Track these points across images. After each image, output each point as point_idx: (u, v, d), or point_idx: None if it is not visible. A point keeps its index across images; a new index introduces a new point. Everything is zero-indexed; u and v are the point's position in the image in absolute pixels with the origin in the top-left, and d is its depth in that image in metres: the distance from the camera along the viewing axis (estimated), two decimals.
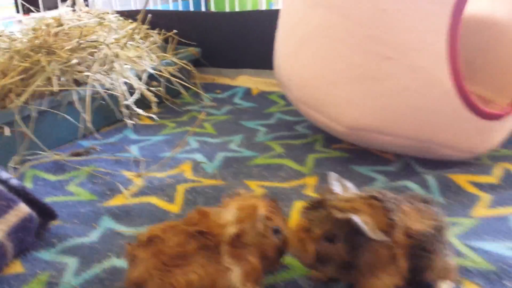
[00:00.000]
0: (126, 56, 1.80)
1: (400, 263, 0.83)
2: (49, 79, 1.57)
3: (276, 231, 0.87)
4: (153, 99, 1.86)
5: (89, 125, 1.62)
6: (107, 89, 1.72)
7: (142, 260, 0.83)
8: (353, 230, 0.80)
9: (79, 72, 1.66)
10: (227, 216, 0.85)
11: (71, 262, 1.03)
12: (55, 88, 1.51)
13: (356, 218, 0.79)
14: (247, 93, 2.18)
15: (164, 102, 2.02)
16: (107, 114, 1.81)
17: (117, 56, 1.74)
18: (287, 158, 1.50)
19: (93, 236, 1.13)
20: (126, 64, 1.78)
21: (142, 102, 1.85)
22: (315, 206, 0.85)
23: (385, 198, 0.85)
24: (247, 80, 2.29)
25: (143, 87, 1.81)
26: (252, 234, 0.83)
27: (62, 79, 1.60)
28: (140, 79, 1.84)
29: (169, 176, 1.41)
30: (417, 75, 1.23)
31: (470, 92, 1.22)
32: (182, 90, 2.04)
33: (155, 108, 1.86)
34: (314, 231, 0.82)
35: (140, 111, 1.80)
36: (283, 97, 2.09)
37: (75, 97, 1.61)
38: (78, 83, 1.68)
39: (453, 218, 1.12)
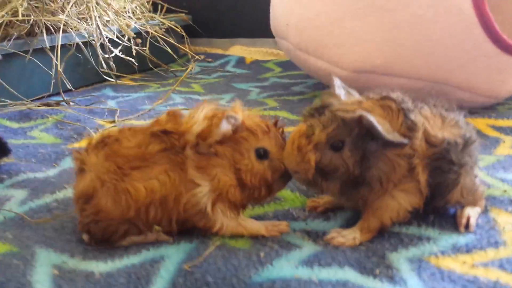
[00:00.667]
0: (108, 2, 1.63)
1: (420, 177, 0.65)
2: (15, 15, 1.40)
3: (261, 155, 0.67)
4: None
5: (60, 71, 1.43)
6: (84, 38, 1.55)
7: (92, 165, 0.65)
8: (364, 134, 0.62)
9: (52, 14, 1.49)
10: (198, 115, 0.67)
11: (19, 194, 0.86)
12: (20, 17, 1.32)
13: (369, 116, 0.61)
14: (240, 62, 2.02)
15: (152, 68, 1.83)
16: (85, 74, 1.64)
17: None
18: (282, 110, 1.33)
19: (50, 173, 0.96)
20: (107, 10, 1.60)
21: (125, 64, 1.68)
22: (318, 110, 0.66)
23: (402, 99, 0.67)
24: (241, 50, 2.13)
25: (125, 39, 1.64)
26: (217, 134, 0.64)
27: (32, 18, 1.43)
28: (123, 35, 1.67)
29: (147, 124, 1.24)
30: (433, 2, 1.08)
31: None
32: (170, 51, 1.85)
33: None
34: (316, 136, 0.63)
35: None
36: (279, 64, 1.92)
37: (46, 43, 1.44)
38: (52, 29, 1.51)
39: None
